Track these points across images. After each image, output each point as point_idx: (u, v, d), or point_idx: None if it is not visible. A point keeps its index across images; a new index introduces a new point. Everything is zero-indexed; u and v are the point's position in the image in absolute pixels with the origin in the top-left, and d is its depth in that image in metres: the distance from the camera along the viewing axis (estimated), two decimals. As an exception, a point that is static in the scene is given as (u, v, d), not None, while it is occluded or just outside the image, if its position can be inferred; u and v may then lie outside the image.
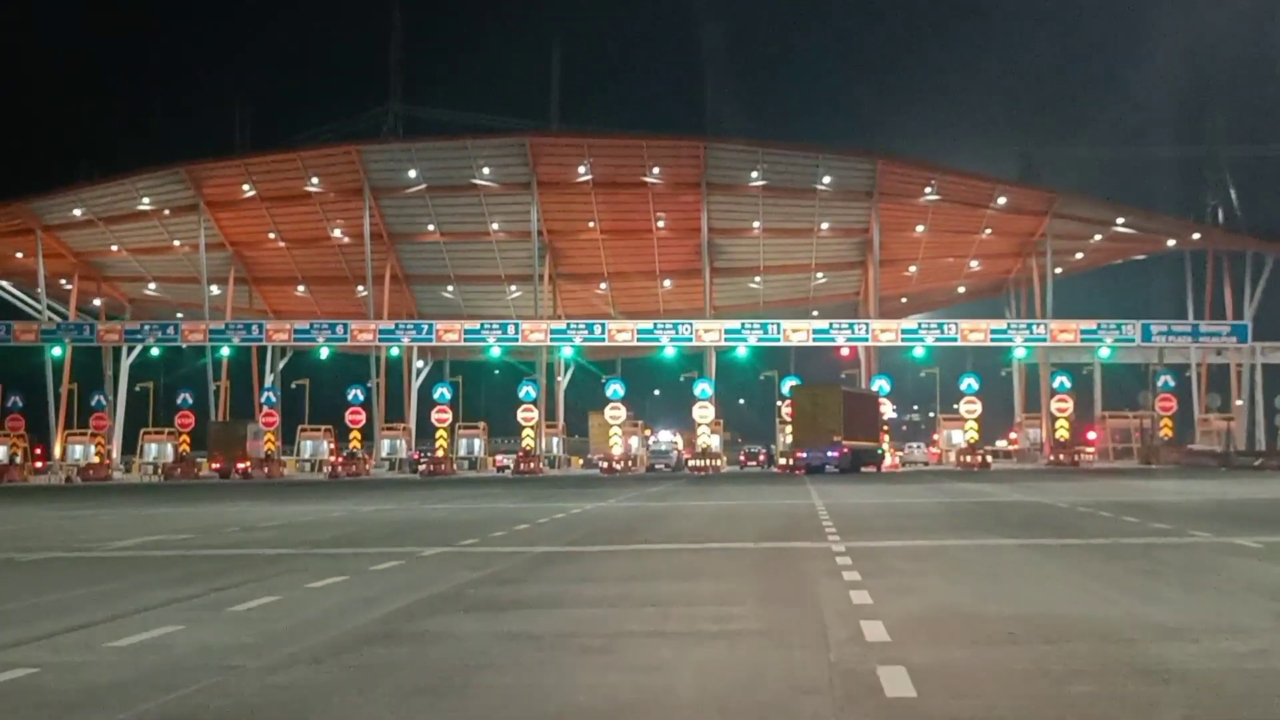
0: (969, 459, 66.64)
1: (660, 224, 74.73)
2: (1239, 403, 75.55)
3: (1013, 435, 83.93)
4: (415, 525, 23.87)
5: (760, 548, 17.09)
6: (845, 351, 76.99)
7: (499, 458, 76.15)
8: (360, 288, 76.64)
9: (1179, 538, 17.83)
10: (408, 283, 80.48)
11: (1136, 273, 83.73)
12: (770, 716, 6.76)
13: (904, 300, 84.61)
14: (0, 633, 9.67)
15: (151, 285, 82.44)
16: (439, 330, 73.65)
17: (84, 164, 76.27)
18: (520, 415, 71.33)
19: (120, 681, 7.77)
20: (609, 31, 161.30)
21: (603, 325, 72.95)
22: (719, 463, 69.12)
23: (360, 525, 23.96)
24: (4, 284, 79.89)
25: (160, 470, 72.29)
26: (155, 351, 78.21)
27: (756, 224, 74.60)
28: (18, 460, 71.77)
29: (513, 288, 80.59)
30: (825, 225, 75.06)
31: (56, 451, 75.82)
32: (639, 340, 72.89)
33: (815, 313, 78.20)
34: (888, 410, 71.97)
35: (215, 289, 78.00)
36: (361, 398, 74.77)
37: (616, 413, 70.62)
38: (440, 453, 70.81)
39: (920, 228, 74.71)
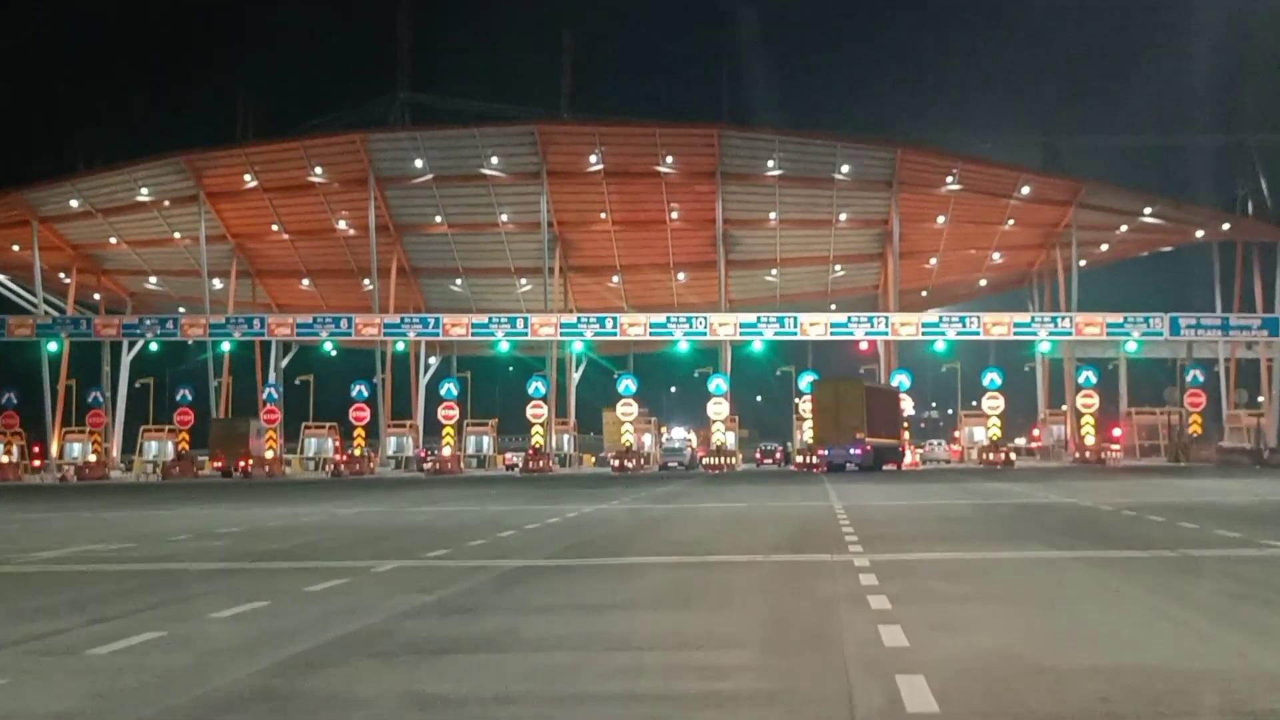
0: (992, 456, 65.30)
1: (674, 215, 72.72)
2: (1261, 399, 73.38)
3: (1035, 432, 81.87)
4: (389, 532, 21.56)
5: (771, 561, 14.72)
6: (864, 346, 75.23)
7: (508, 456, 74.35)
8: (366, 281, 74.52)
9: (1254, 549, 15.43)
10: (415, 276, 78.51)
11: (1160, 266, 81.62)
12: None
13: (924, 294, 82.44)
14: None
15: (152, 279, 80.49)
16: (446, 324, 71.65)
17: (82, 153, 74.48)
18: (530, 412, 69.17)
19: None
20: (623, 19, 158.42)
21: (614, 319, 70.88)
22: (734, 460, 67.69)
23: (329, 532, 21.59)
24: (1, 277, 77.89)
25: (159, 469, 70.35)
26: (154, 347, 75.97)
27: (773, 215, 72.50)
28: (8, 459, 69.59)
29: (523, 281, 78.54)
30: (844, 216, 73.04)
31: (54, 449, 73.90)
32: (652, 334, 70.88)
33: (833, 306, 76.30)
34: (907, 407, 69.90)
35: (217, 283, 76.13)
36: (366, 394, 72.35)
37: (628, 409, 68.29)
38: (447, 451, 68.62)
39: (941, 219, 72.68)
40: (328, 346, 73.85)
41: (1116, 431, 72.11)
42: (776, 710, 6.67)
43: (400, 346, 77.37)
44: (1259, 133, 78.73)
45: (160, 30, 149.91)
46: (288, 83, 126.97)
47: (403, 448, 75.82)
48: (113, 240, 75.66)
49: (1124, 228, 73.41)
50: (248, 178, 70.82)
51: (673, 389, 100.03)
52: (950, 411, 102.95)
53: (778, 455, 74.04)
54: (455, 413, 69.90)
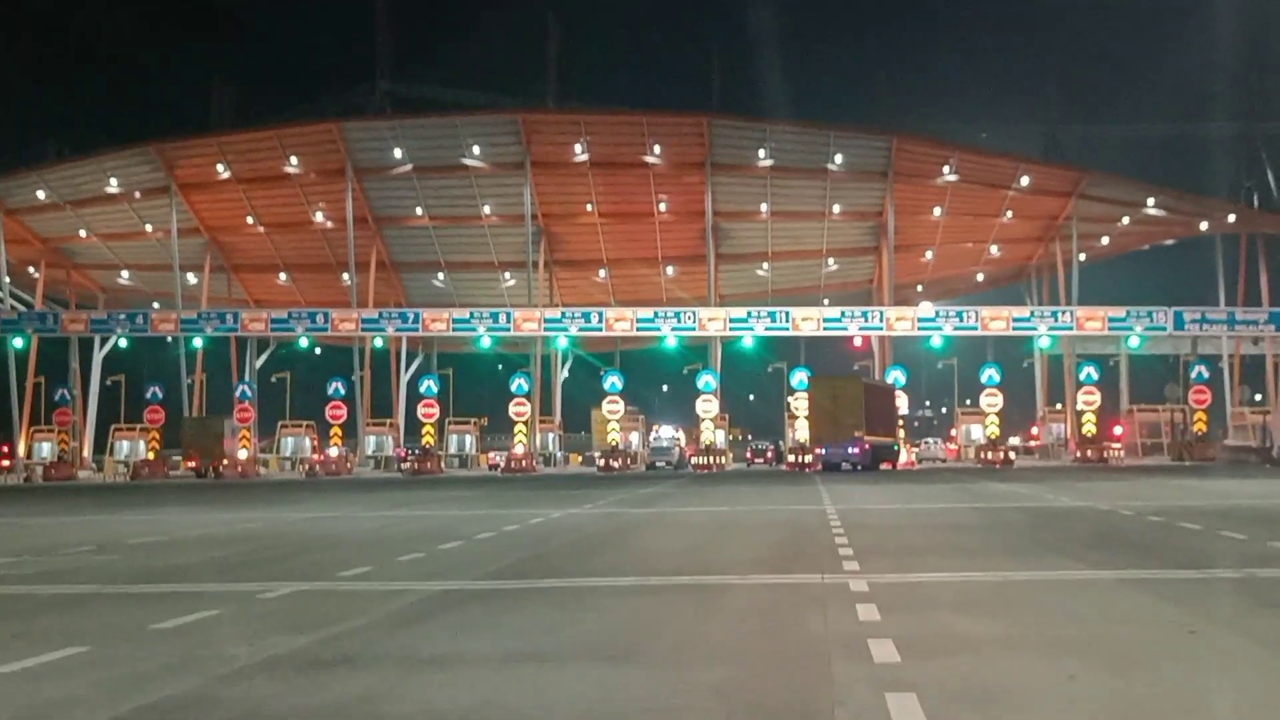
0: (990, 455, 63.36)
1: (662, 207, 70.56)
2: (1259, 396, 71.43)
3: (1034, 430, 79.71)
4: (317, 543, 19.00)
5: (749, 584, 12.23)
6: (858, 342, 72.87)
7: (491, 455, 72.21)
8: (345, 276, 72.04)
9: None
10: (395, 270, 76.16)
11: (1161, 260, 79.73)
12: None
13: (919, 289, 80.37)
14: None
15: (124, 273, 77.98)
16: (425, 319, 69.16)
17: (50, 143, 72.17)
18: (512, 410, 66.71)
19: None
20: (611, 6, 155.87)
21: (599, 314, 68.39)
22: (724, 460, 65.84)
23: (247, 544, 18.95)
24: (-35, 272, 75.42)
25: (130, 469, 67.93)
26: (124, 343, 73.34)
27: (764, 207, 70.38)
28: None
29: (507, 275, 76.20)
30: (837, 208, 70.88)
31: (21, 449, 71.40)
32: (639, 329, 68.40)
33: (826, 301, 73.93)
34: (902, 404, 67.69)
35: (192, 277, 73.92)
36: (343, 391, 69.75)
37: (614, 407, 65.86)
38: (426, 450, 66.14)
39: (938, 210, 70.78)
40: (305, 343, 71.31)
41: (1118, 429, 69.84)
42: None
43: (379, 343, 75.22)
44: (1265, 123, 76.95)
45: (134, 17, 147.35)
46: (265, 72, 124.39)
47: (382, 447, 73.62)
48: (82, 233, 73.33)
49: (1126, 220, 71.65)
50: (221, 168, 68.53)
51: (664, 387, 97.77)
52: (945, 410, 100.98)
53: (769, 454, 71.92)
54: (435, 411, 67.40)
